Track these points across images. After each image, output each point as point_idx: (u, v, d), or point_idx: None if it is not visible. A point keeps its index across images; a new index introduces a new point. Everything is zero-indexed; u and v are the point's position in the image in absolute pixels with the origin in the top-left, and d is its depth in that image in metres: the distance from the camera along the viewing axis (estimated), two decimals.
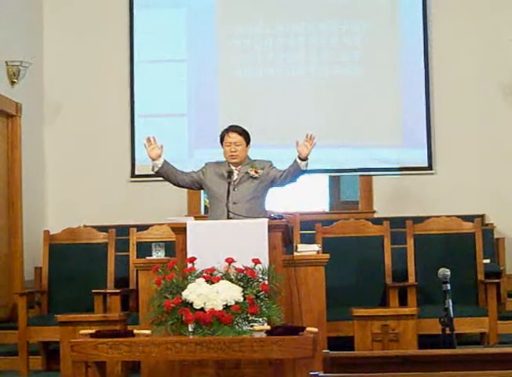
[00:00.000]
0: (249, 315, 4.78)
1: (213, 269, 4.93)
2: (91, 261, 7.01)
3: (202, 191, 6.91)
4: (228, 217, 5.42)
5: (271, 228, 5.14)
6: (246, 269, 4.91)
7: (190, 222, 5.23)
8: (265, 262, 4.97)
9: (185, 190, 7.97)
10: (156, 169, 5.81)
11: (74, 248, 7.08)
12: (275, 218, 5.22)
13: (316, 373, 3.32)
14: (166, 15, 8.99)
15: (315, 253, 5.51)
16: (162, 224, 6.68)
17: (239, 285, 4.86)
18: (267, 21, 8.90)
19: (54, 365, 6.50)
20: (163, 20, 8.97)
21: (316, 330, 4.81)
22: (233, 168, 5.74)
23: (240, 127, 5.82)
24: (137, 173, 8.85)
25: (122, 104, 8.95)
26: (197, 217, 6.32)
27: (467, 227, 6.75)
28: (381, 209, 8.70)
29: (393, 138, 8.75)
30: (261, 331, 4.73)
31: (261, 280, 4.91)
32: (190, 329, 4.79)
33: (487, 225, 8.16)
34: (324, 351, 3.50)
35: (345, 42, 8.84)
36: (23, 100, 8.32)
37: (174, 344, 4.59)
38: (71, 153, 8.93)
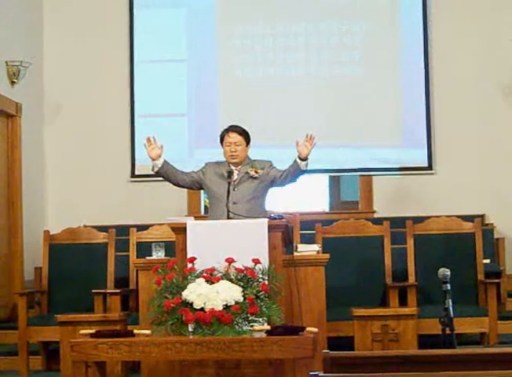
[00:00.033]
0: (249, 315, 4.78)
1: (213, 269, 4.93)
2: (91, 261, 7.01)
3: (202, 191, 6.91)
4: (228, 217, 5.42)
5: (271, 228, 5.14)
6: (246, 269, 4.91)
7: (190, 222, 5.23)
8: (265, 262, 4.97)
9: (185, 190, 7.97)
10: (156, 169, 5.81)
11: (75, 248, 7.08)
12: (275, 218, 5.22)
13: (316, 373, 3.32)
14: (166, 15, 8.99)
15: (315, 253, 5.51)
16: (162, 224, 6.68)
17: (239, 285, 4.86)
18: (267, 21, 8.90)
19: (54, 365, 6.50)
20: (163, 20, 8.98)
21: (316, 330, 4.81)
22: (233, 168, 5.74)
23: (240, 127, 5.82)
24: (137, 173, 8.85)
25: (122, 104, 8.95)
26: (197, 217, 6.32)
27: (467, 227, 6.75)
28: (381, 209, 8.71)
29: (393, 138, 8.75)
30: (261, 331, 4.73)
31: (261, 280, 4.91)
32: (190, 329, 4.79)
33: (487, 225, 8.17)
34: (324, 351, 3.50)
35: (345, 42, 8.84)
36: (23, 100, 8.32)
37: (174, 344, 4.59)
38: (71, 153, 8.94)
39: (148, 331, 4.85)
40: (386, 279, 6.63)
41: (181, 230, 5.21)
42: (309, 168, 5.70)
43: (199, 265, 4.97)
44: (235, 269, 4.91)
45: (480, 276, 6.58)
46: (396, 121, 8.76)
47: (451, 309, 4.81)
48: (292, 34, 8.86)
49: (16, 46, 8.28)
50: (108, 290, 6.73)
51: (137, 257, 6.83)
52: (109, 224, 7.67)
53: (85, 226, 7.52)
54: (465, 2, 8.76)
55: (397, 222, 7.20)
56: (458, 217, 6.92)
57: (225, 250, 4.97)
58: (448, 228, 6.77)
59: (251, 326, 4.78)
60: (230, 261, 4.93)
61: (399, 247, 6.80)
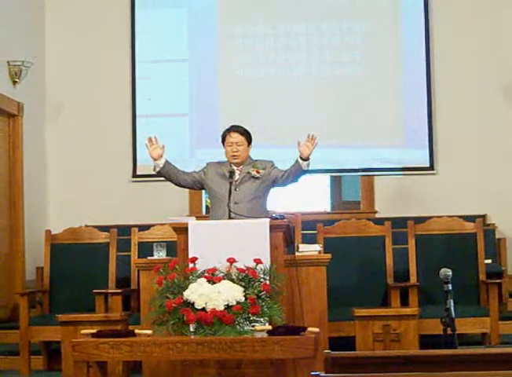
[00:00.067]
0: (250, 315, 4.79)
1: (214, 269, 4.93)
2: (92, 261, 7.02)
3: (203, 191, 6.91)
4: (230, 217, 5.42)
5: (272, 228, 5.14)
6: (248, 268, 4.91)
7: (191, 222, 5.23)
8: (266, 262, 4.97)
9: (187, 190, 7.96)
10: (158, 169, 5.81)
11: (76, 248, 7.08)
12: (276, 218, 5.22)
13: (317, 373, 3.32)
14: (167, 15, 9.00)
15: (316, 253, 5.50)
16: (164, 224, 6.68)
17: (241, 285, 4.86)
18: (268, 21, 8.90)
19: (55, 365, 6.50)
20: (164, 19, 8.98)
21: (317, 330, 4.81)
22: (235, 168, 5.74)
23: (242, 127, 5.82)
24: (138, 173, 8.85)
25: (124, 103, 8.95)
26: (198, 217, 6.30)
27: (469, 227, 6.75)
28: (382, 209, 8.70)
29: (395, 138, 8.75)
30: (262, 331, 4.73)
31: (262, 280, 4.91)
32: (191, 329, 4.79)
33: (488, 225, 8.16)
34: (326, 351, 3.50)
35: (346, 42, 8.84)
36: (25, 100, 8.32)
37: (176, 344, 4.59)
38: (72, 153, 8.94)
39: (149, 331, 4.85)
40: (388, 279, 6.63)
41: (182, 230, 5.21)
42: (310, 168, 5.70)
43: (201, 265, 4.97)
44: (237, 268, 4.91)
45: (482, 277, 6.58)
46: (397, 121, 8.76)
47: (452, 309, 4.81)
48: (293, 34, 8.87)
49: (17, 46, 8.29)
50: (110, 290, 6.74)
51: (139, 257, 6.83)
52: (111, 224, 7.67)
53: (86, 226, 7.53)
54: (465, 2, 8.76)
55: (399, 222, 7.20)
56: (460, 217, 6.92)
57: (227, 250, 4.97)
58: (450, 229, 6.77)
59: (253, 326, 4.78)
60: (231, 261, 4.93)
61: (400, 247, 6.80)
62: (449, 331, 4.79)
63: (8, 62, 8.08)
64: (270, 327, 4.75)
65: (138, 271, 5.92)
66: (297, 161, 5.65)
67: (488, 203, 8.46)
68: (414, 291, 6.42)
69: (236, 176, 5.71)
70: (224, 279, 4.88)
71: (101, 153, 8.93)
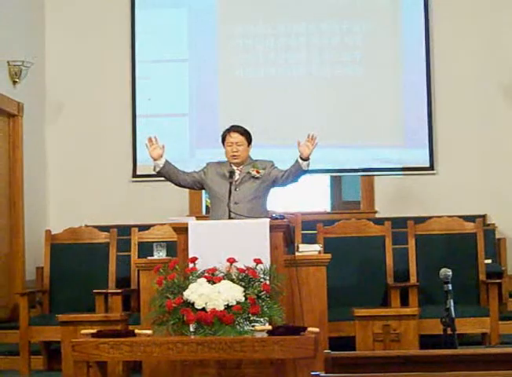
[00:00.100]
0: (250, 315, 4.79)
1: (214, 269, 4.93)
2: (92, 261, 7.02)
3: (203, 191, 6.91)
4: (230, 217, 5.42)
5: (272, 228, 5.14)
6: (248, 268, 4.91)
7: (191, 222, 5.23)
8: (266, 262, 4.97)
9: (187, 190, 7.96)
10: (158, 169, 5.81)
11: (76, 248, 7.08)
12: (276, 218, 5.22)
13: (317, 373, 3.32)
14: (167, 15, 8.99)
15: (316, 253, 5.50)
16: (164, 224, 6.68)
17: (241, 285, 4.86)
18: (268, 21, 8.90)
19: (55, 365, 6.50)
20: (164, 19, 8.98)
21: (317, 330, 4.81)
22: (235, 168, 5.74)
23: (242, 127, 5.82)
24: (138, 173, 8.85)
25: (124, 103, 8.95)
26: (198, 218, 6.30)
27: (469, 227, 6.75)
28: (382, 209, 8.70)
29: (395, 138, 8.75)
30: (262, 331, 4.73)
31: (262, 280, 4.91)
32: (191, 329, 4.79)
33: (488, 225, 8.16)
34: (326, 351, 3.50)
35: (346, 42, 8.84)
36: (25, 100, 8.32)
37: (176, 344, 4.59)
38: (72, 153, 8.94)
39: (149, 331, 4.85)
40: (388, 279, 6.63)
41: (182, 230, 5.21)
42: (310, 168, 5.70)
43: (201, 265, 4.97)
44: (237, 268, 4.91)
45: (482, 277, 6.58)
46: (397, 121, 8.76)
47: (452, 309, 4.81)
48: (293, 34, 8.87)
49: (17, 46, 8.29)
50: (110, 290, 6.74)
51: (139, 257, 6.83)
52: (111, 224, 7.67)
53: (86, 226, 7.53)
54: (465, 2, 8.77)
55: (399, 222, 7.20)
56: (460, 217, 6.92)
57: (227, 250, 4.97)
58: (450, 229, 6.77)
59: (253, 326, 4.78)
60: (231, 261, 4.93)
61: (400, 247, 6.80)
62: (449, 331, 4.79)
63: (8, 62, 8.08)
64: (270, 327, 4.75)
65: (138, 271, 5.92)
66: (297, 161, 5.65)
67: (488, 203, 8.46)
68: (414, 291, 6.42)
69: (236, 176, 5.71)
70: (224, 279, 4.88)
71: (101, 153, 8.93)
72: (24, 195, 8.21)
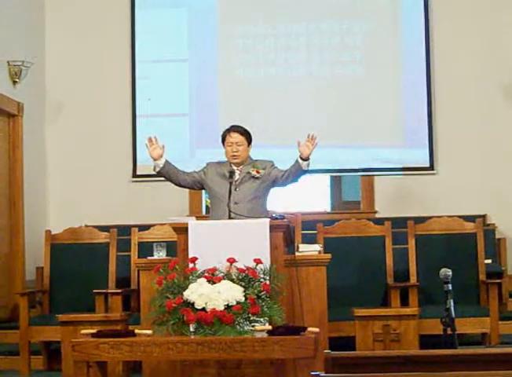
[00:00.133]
0: (250, 315, 4.78)
1: (214, 269, 4.93)
2: (92, 261, 7.02)
3: (203, 191, 6.91)
4: (230, 217, 5.42)
5: (272, 228, 5.14)
6: (248, 268, 4.91)
7: (191, 222, 5.23)
8: (266, 262, 4.97)
9: (187, 190, 7.96)
10: (158, 169, 5.81)
11: (76, 248, 7.08)
12: (276, 218, 5.22)
13: (317, 373, 3.32)
14: (167, 15, 8.99)
15: (316, 253, 5.50)
16: (164, 224, 6.68)
17: (241, 285, 4.86)
18: (268, 21, 8.90)
19: (55, 365, 6.50)
20: (164, 19, 8.98)
21: (317, 330, 4.81)
22: (235, 168, 5.74)
23: (242, 127, 5.82)
24: (138, 173, 8.85)
25: (124, 103, 8.95)
26: (198, 218, 6.30)
27: (469, 227, 6.75)
28: (382, 209, 8.70)
29: (395, 138, 8.75)
30: (262, 331, 4.73)
31: (262, 279, 4.91)
32: (191, 329, 4.79)
33: (488, 225, 8.16)
34: (326, 351, 3.50)
35: (346, 42, 8.84)
36: (25, 100, 8.32)
37: (176, 344, 4.59)
38: (72, 153, 8.94)
39: (149, 331, 4.85)
40: (388, 279, 6.63)
41: (182, 230, 5.21)
42: (310, 168, 5.70)
43: (201, 265, 4.97)
44: (237, 268, 4.91)
45: (482, 277, 6.58)
46: (397, 121, 8.76)
47: (452, 309, 4.81)
48: (293, 34, 8.86)
49: (17, 46, 8.29)
50: (110, 290, 6.74)
51: (139, 257, 6.83)
52: (111, 224, 7.67)
53: (86, 226, 7.53)
54: (465, 2, 8.76)
55: (399, 222, 7.20)
56: (460, 217, 6.92)
57: (227, 250, 4.97)
58: (450, 229, 6.77)
59: (253, 326, 4.78)
60: (231, 261, 4.93)
61: (400, 247, 6.80)
62: (449, 331, 4.79)
63: (8, 62, 8.08)
64: (270, 327, 4.75)
65: (138, 271, 5.92)
66: (297, 161, 5.65)
67: (488, 203, 8.46)
68: (414, 291, 6.42)
69: (236, 176, 5.71)
70: (224, 279, 4.88)
71: (101, 153, 8.93)
72: (24, 195, 8.21)
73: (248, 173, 5.72)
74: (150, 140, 5.76)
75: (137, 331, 4.90)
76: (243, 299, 4.80)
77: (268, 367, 4.98)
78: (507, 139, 8.60)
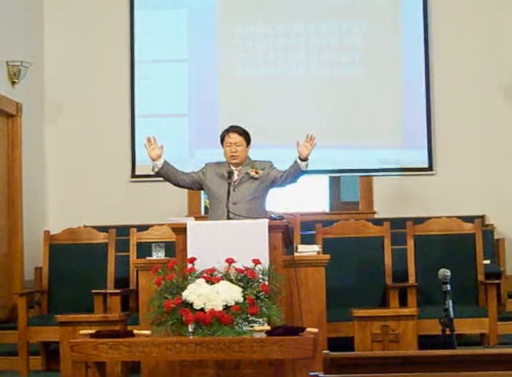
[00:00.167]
0: (249, 315, 4.78)
1: (213, 270, 4.93)
2: (91, 261, 7.01)
3: (202, 191, 6.91)
4: (229, 218, 5.42)
5: (271, 228, 5.14)
6: (247, 269, 4.91)
7: (190, 223, 5.23)
8: (265, 263, 4.97)
9: (185, 190, 7.96)
10: (156, 169, 5.81)
11: (75, 248, 7.08)
12: (275, 219, 5.22)
13: (316, 374, 3.32)
14: (167, 15, 8.99)
15: (315, 253, 5.50)
16: (163, 224, 6.68)
17: (240, 285, 4.86)
18: (267, 21, 8.90)
19: (54, 365, 6.50)
20: (164, 20, 8.97)
21: (316, 330, 4.81)
22: (233, 168, 5.73)
23: (241, 127, 5.82)
24: (137, 173, 8.84)
25: (123, 104, 8.95)
26: (197, 218, 6.32)
27: (467, 228, 6.75)
28: (381, 210, 8.70)
29: (394, 139, 8.75)
30: (261, 331, 4.73)
31: (261, 280, 4.91)
32: (190, 329, 4.79)
33: (487, 225, 8.16)
34: (324, 352, 3.50)
35: (345, 43, 8.84)
36: (24, 100, 8.32)
37: (174, 344, 4.59)
38: (71, 153, 8.94)
39: (147, 332, 4.85)
40: (386, 279, 6.63)
41: (181, 230, 5.21)
42: (309, 168, 5.70)
43: (199, 266, 4.97)
44: (236, 269, 4.91)
45: (481, 277, 6.58)
46: (396, 121, 8.75)
47: (451, 309, 4.81)
48: (293, 34, 8.86)
49: (16, 46, 8.28)
50: (108, 291, 6.73)
51: (137, 257, 6.83)
52: (109, 224, 7.67)
53: (85, 226, 7.52)
54: (465, 2, 8.76)
55: (397, 223, 7.19)
56: (459, 217, 6.92)
57: (225, 250, 4.97)
58: (449, 229, 6.77)
59: (251, 326, 4.78)
60: (230, 261, 4.92)
61: (399, 248, 6.80)
62: (448, 332, 4.79)
63: (7, 62, 8.07)
64: (269, 328, 4.75)
65: (137, 271, 5.93)
66: (296, 161, 5.65)
67: (487, 203, 8.46)
68: (412, 292, 6.42)
69: (235, 176, 5.71)
70: (222, 279, 4.88)
71: (100, 153, 8.92)
72: (23, 195, 8.20)
73: (247, 173, 5.72)
74: (149, 140, 5.77)
75: (135, 331, 4.90)
76: (242, 300, 4.80)
77: (266, 367, 4.98)
78: (507, 139, 8.60)
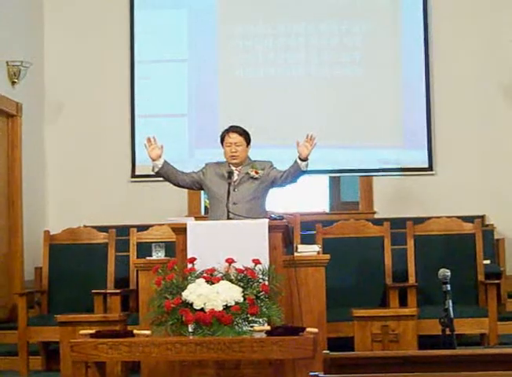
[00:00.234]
0: (249, 315, 4.78)
1: (213, 270, 4.93)
2: (91, 261, 7.01)
3: (202, 191, 6.91)
4: (229, 218, 5.42)
5: (271, 228, 5.14)
6: (247, 269, 4.91)
7: (190, 223, 5.22)
8: (265, 263, 4.97)
9: (185, 190, 7.96)
10: (156, 169, 5.81)
11: (75, 248, 7.08)
12: (275, 219, 5.22)
13: (315, 374, 3.32)
14: (167, 15, 8.99)
15: (315, 253, 5.50)
16: (163, 224, 6.68)
17: (240, 285, 4.86)
18: (267, 21, 8.90)
19: (54, 365, 6.50)
20: (164, 20, 8.97)
21: (316, 330, 4.81)
22: (233, 168, 5.73)
23: (241, 127, 5.82)
24: (137, 173, 8.84)
25: (123, 103, 8.95)
26: (197, 218, 6.32)
27: (467, 228, 6.75)
28: (381, 209, 8.70)
29: (394, 139, 8.75)
30: (261, 331, 4.73)
31: (261, 280, 4.91)
32: (190, 329, 4.79)
33: (487, 225, 8.16)
34: (324, 352, 3.50)
35: (345, 43, 8.84)
36: (24, 100, 8.32)
37: (174, 344, 4.59)
38: (71, 153, 8.94)
39: (147, 332, 4.85)
40: (386, 279, 6.63)
41: (181, 230, 5.20)
42: (309, 168, 5.70)
43: (199, 266, 4.97)
44: (236, 269, 4.91)
45: (481, 277, 6.57)
46: (396, 121, 8.75)
47: (451, 309, 4.81)
48: (293, 34, 8.86)
49: (16, 46, 8.28)
50: (108, 291, 6.73)
51: (137, 257, 6.83)
52: (109, 224, 7.67)
53: (85, 226, 7.52)
54: (465, 2, 8.76)
55: (397, 223, 7.19)
56: (459, 217, 6.92)
57: (225, 250, 4.97)
58: (449, 229, 6.77)
59: (251, 326, 4.78)
60: (230, 261, 4.92)
61: (399, 248, 6.80)
62: (448, 332, 4.79)
63: (7, 62, 8.07)
64: (269, 328, 4.75)
65: (137, 271, 5.93)
66: (296, 161, 5.65)
67: (487, 203, 8.46)
68: (412, 292, 6.42)
69: (235, 176, 5.71)
70: (222, 279, 4.88)
71: (100, 153, 8.92)
72: (23, 195, 8.20)
73: (247, 173, 5.72)
74: (149, 140, 5.77)
75: (135, 331, 4.90)
76: (242, 300, 4.80)
77: (266, 367, 4.98)
78: (506, 139, 8.59)
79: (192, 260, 4.99)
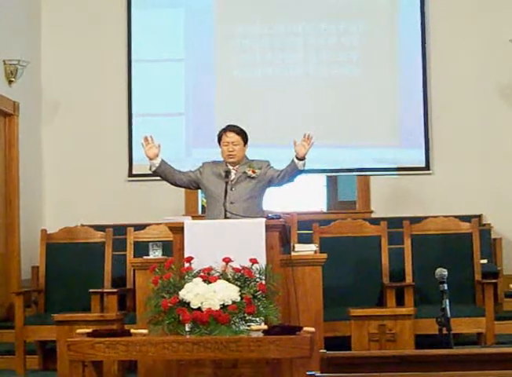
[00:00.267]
0: (246, 314, 4.78)
1: (210, 269, 4.93)
2: (88, 260, 7.01)
3: (199, 190, 6.91)
4: (226, 217, 5.42)
5: (268, 227, 5.13)
6: (244, 268, 4.90)
7: (187, 222, 5.22)
8: (262, 262, 4.97)
9: (183, 190, 7.96)
10: (153, 168, 5.80)
11: (72, 247, 7.07)
12: (272, 218, 5.22)
13: (312, 373, 3.32)
14: (164, 15, 8.99)
15: (312, 253, 5.50)
16: (160, 223, 6.67)
17: (237, 285, 4.85)
18: (265, 21, 8.90)
19: (51, 364, 6.50)
20: (161, 19, 8.98)
21: (313, 330, 4.81)
22: (231, 168, 5.73)
23: (238, 127, 5.81)
24: (134, 172, 8.85)
25: (120, 103, 8.95)
26: (194, 217, 6.31)
27: (464, 227, 6.75)
28: (378, 209, 8.71)
29: (391, 138, 8.76)
30: (258, 330, 4.73)
31: (258, 279, 4.90)
32: (187, 329, 4.78)
33: (484, 225, 8.17)
34: (321, 351, 3.50)
35: (343, 43, 8.84)
36: (21, 99, 8.31)
37: (171, 343, 4.59)
38: (68, 152, 8.93)
39: (145, 331, 4.85)
40: (383, 279, 6.64)
41: (178, 230, 5.20)
42: (306, 168, 5.69)
43: (197, 265, 4.96)
44: (233, 268, 4.91)
45: (478, 277, 6.58)
46: (393, 121, 8.76)
47: (448, 309, 4.81)
48: (290, 34, 8.87)
49: (13, 45, 8.28)
50: (105, 290, 6.73)
51: (135, 256, 6.83)
52: (106, 223, 7.67)
53: (82, 225, 7.51)
54: (464, 2, 8.77)
55: (395, 222, 7.20)
56: (456, 217, 6.92)
57: (223, 249, 4.97)
58: (446, 229, 6.77)
59: (248, 325, 4.77)
60: (227, 260, 4.92)
61: (396, 247, 6.80)
62: (445, 331, 4.79)
63: (4, 61, 8.07)
64: (266, 327, 4.75)
65: (134, 270, 5.92)
66: (293, 161, 5.65)
67: (484, 203, 8.47)
68: (409, 291, 6.43)
69: (232, 175, 5.71)
70: (219, 278, 4.88)
71: (97, 153, 8.92)
72: (20, 194, 8.20)
73: (244, 172, 5.72)
74: (146, 139, 5.76)
75: (132, 330, 4.90)
76: (239, 299, 4.80)
77: (263, 366, 4.98)
78: (504, 139, 8.61)
79: (189, 259, 4.99)
